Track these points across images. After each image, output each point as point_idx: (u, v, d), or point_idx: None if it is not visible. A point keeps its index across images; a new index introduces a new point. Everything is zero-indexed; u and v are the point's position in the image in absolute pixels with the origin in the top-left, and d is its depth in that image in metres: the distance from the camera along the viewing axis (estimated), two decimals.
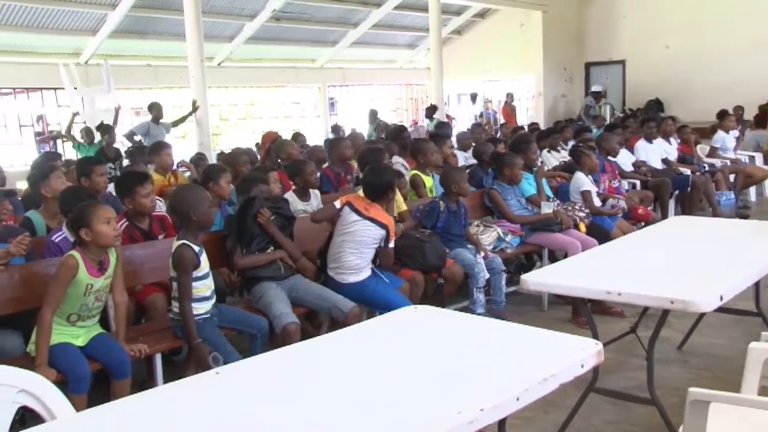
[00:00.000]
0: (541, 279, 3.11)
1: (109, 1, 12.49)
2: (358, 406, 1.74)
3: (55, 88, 14.13)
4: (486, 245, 5.10)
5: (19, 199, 5.39)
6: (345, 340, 2.35)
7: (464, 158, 7.73)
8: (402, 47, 19.35)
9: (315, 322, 4.59)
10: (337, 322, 4.07)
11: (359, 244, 4.15)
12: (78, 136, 10.02)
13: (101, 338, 3.38)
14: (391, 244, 4.21)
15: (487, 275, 4.80)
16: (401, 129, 8.14)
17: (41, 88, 14.02)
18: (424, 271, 4.56)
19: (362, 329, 2.63)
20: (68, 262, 3.21)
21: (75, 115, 10.64)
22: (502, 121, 15.81)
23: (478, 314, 4.43)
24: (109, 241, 3.27)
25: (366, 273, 4.22)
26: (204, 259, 3.60)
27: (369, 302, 4.16)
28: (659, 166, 8.03)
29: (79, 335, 3.31)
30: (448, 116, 15.76)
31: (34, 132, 13.70)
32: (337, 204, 4.28)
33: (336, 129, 13.60)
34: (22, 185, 9.23)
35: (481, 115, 17.41)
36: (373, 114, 13.88)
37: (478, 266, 4.75)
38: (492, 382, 1.84)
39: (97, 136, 9.47)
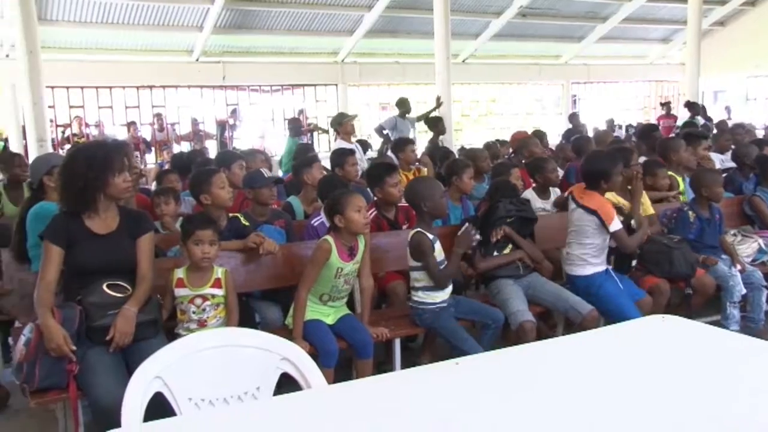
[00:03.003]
0: None
1: (365, 3, 13.27)
2: (593, 417, 1.68)
3: (314, 85, 15.39)
4: (744, 257, 4.66)
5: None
6: (583, 344, 2.28)
7: (720, 161, 7.09)
8: (654, 41, 18.23)
9: (549, 322, 4.52)
10: (572, 324, 3.98)
11: (578, 234, 4.05)
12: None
13: (348, 319, 3.63)
14: (612, 228, 3.94)
15: (744, 290, 4.38)
16: (651, 128, 7.68)
17: (302, 85, 15.35)
18: (670, 279, 4.28)
19: (602, 335, 2.52)
20: (323, 246, 3.49)
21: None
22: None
23: (732, 331, 4.06)
24: (359, 228, 3.50)
25: (594, 269, 4.07)
26: (438, 247, 3.72)
27: (594, 299, 3.98)
28: None
29: (329, 314, 3.59)
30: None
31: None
32: (566, 193, 4.32)
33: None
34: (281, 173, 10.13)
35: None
36: (610, 123, 13.30)
37: (733, 279, 4.36)
38: (754, 412, 1.67)
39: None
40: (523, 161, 6.34)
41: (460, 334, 3.62)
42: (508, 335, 3.90)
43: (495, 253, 4.12)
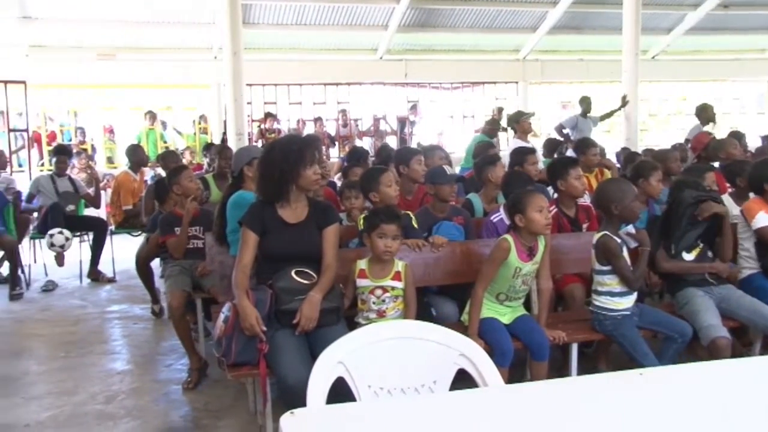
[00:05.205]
0: None
1: None
2: None
3: (494, 83, 15.31)
4: None
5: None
6: None
7: None
8: None
9: (744, 338, 4.18)
10: None
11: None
12: None
13: (524, 319, 3.59)
14: (754, 224, 3.95)
15: None
16: None
17: (483, 83, 15.33)
18: None
19: None
20: (502, 245, 3.47)
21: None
22: None
23: None
24: (539, 228, 3.44)
25: (748, 272, 4.06)
26: (625, 252, 3.56)
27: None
28: None
29: (505, 313, 3.57)
30: None
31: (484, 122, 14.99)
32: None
33: None
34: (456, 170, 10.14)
35: None
36: None
37: None
38: None
39: None
40: (719, 164, 5.91)
41: (641, 348, 3.43)
42: (695, 350, 3.66)
43: (684, 254, 3.86)
